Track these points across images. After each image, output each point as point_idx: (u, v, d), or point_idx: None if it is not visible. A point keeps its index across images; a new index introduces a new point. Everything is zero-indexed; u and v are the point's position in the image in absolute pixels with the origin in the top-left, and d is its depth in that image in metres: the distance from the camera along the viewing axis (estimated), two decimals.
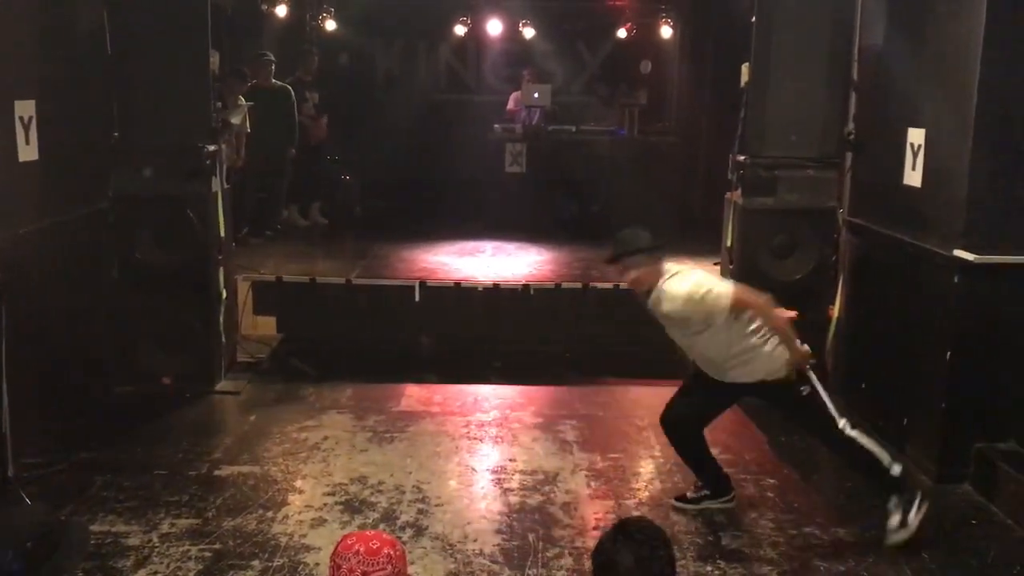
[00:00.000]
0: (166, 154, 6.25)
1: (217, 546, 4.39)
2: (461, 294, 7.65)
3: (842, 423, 4.54)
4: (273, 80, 9.26)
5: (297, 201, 10.27)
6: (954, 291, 5.14)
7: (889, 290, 5.95)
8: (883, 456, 4.55)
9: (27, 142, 5.34)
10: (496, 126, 10.93)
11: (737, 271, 6.58)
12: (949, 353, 5.18)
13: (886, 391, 5.92)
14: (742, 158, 6.52)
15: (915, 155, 5.57)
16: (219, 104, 6.82)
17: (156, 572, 4.16)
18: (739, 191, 6.58)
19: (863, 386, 6.24)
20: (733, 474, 5.32)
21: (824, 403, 4.57)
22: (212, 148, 6.37)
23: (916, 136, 5.56)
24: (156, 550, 4.34)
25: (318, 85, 10.23)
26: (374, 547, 2.44)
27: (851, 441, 4.53)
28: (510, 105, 11.42)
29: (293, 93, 9.48)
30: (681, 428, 4.92)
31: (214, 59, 6.48)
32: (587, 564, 4.13)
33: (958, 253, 5.06)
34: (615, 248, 4.82)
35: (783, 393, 4.61)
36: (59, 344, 5.64)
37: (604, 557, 2.54)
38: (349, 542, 2.46)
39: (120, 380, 6.37)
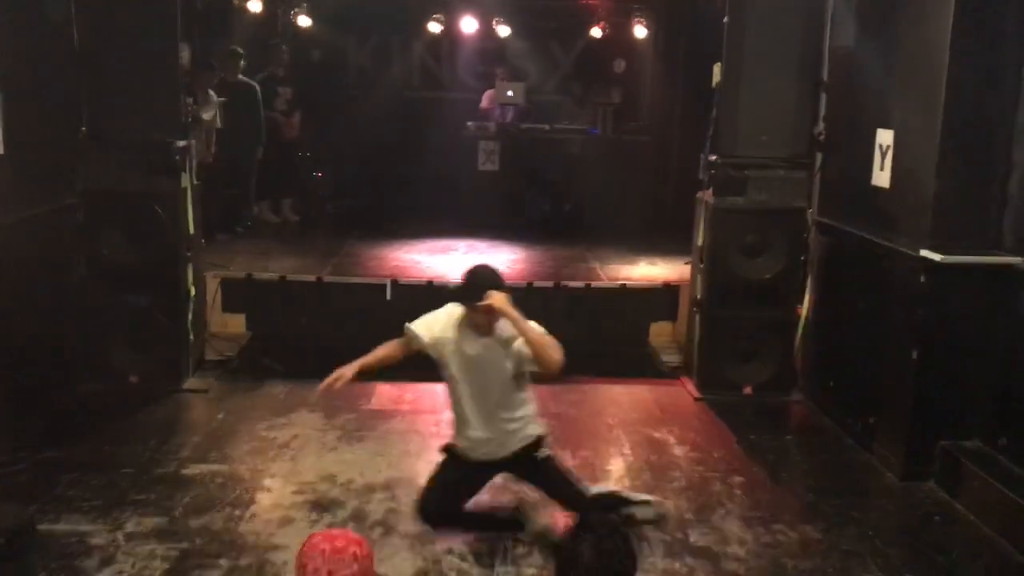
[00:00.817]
0: (135, 149, 6.18)
1: (184, 545, 4.36)
2: (433, 292, 7.62)
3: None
4: (240, 76, 9.18)
5: (268, 197, 10.21)
6: (920, 291, 5.20)
7: (857, 289, 6.00)
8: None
9: None
10: (469, 124, 10.92)
11: (708, 270, 6.62)
12: (915, 352, 5.23)
13: (853, 389, 5.98)
14: (713, 158, 6.55)
15: (884, 156, 5.63)
16: (190, 99, 6.76)
17: (121, 571, 4.12)
18: (710, 190, 6.61)
19: (831, 384, 6.30)
20: (702, 472, 5.38)
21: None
22: (182, 144, 6.31)
23: (885, 137, 5.62)
24: (122, 549, 4.30)
25: (290, 81, 10.17)
26: (339, 546, 2.44)
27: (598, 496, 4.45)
28: (484, 103, 11.40)
29: (259, 90, 9.41)
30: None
31: (184, 53, 6.43)
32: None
33: (925, 253, 5.12)
34: (492, 282, 4.34)
35: (531, 460, 4.38)
36: (25, 341, 5.57)
37: (567, 553, 2.55)
38: (315, 541, 2.46)
39: (87, 378, 6.30)
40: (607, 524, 2.64)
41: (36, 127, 5.72)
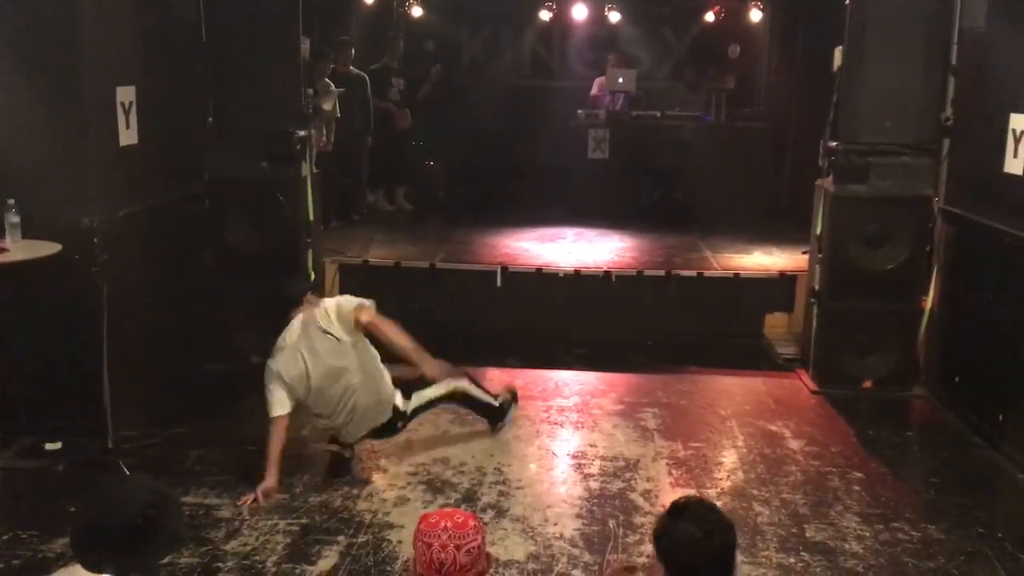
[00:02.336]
0: (258, 139, 6.40)
1: (304, 521, 4.52)
2: (542, 280, 7.67)
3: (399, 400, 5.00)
4: (351, 67, 9.38)
5: (382, 186, 10.42)
6: None
7: (986, 281, 5.75)
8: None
9: (127, 126, 5.53)
10: (580, 112, 10.88)
11: (826, 260, 6.44)
12: None
13: (981, 385, 5.74)
14: (834, 144, 6.36)
15: (1017, 142, 5.36)
16: (310, 91, 6.95)
17: (246, 544, 4.29)
18: (830, 178, 6.43)
19: (957, 380, 6.06)
20: (818, 467, 5.25)
21: None
22: (302, 133, 6.50)
23: (1019, 122, 5.35)
24: (246, 523, 4.48)
25: (404, 71, 10.34)
26: (459, 520, 2.49)
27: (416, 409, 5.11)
28: (594, 91, 11.35)
29: (369, 80, 9.59)
30: None
31: (304, 46, 6.61)
32: None
33: None
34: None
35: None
36: (155, 323, 5.84)
37: (667, 538, 2.56)
38: (433, 520, 2.51)
39: (212, 358, 6.57)
40: (698, 503, 2.67)
41: (166, 119, 5.99)
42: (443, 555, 2.42)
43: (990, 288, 5.71)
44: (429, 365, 4.88)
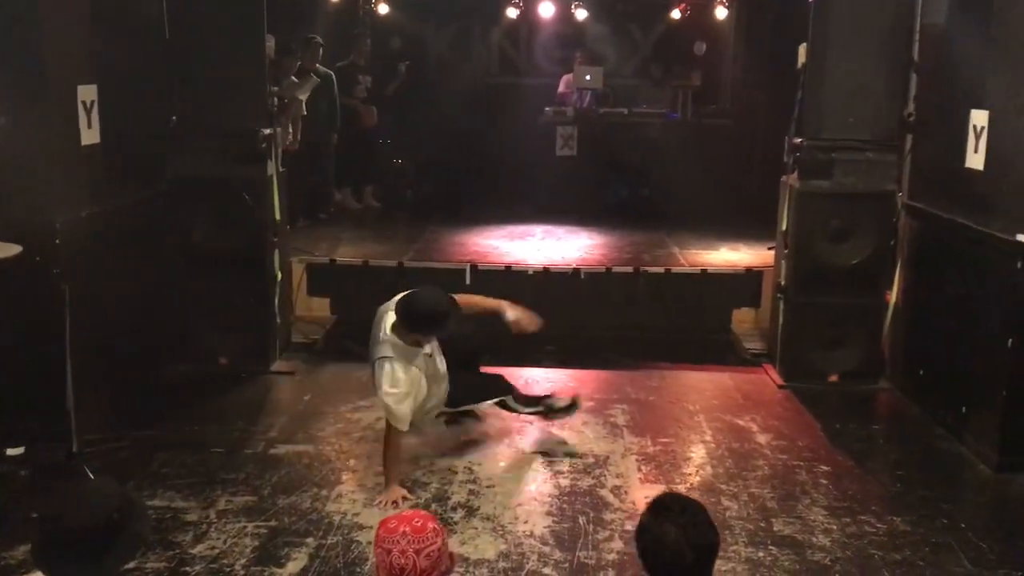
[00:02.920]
0: (222, 138, 6.34)
1: (273, 523, 4.48)
2: (511, 278, 7.66)
3: None
4: (318, 65, 9.31)
5: (350, 185, 10.37)
6: (1016, 276, 5.01)
7: (949, 276, 5.83)
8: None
9: (89, 126, 5.45)
10: (547, 109, 10.89)
11: (792, 255, 6.50)
12: (1011, 340, 5.06)
13: (944, 378, 5.81)
14: (798, 140, 6.41)
15: (978, 137, 5.43)
16: (274, 88, 6.89)
17: (214, 547, 4.25)
18: (795, 174, 6.48)
19: (921, 373, 6.13)
20: (786, 460, 5.30)
21: None
22: (267, 131, 6.45)
23: (979, 118, 5.42)
24: (214, 526, 4.44)
25: (371, 69, 10.29)
26: (418, 524, 2.47)
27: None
28: (561, 88, 11.37)
29: (335, 78, 9.53)
30: None
31: (269, 43, 6.55)
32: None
33: (1021, 238, 4.94)
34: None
35: None
36: (120, 324, 5.77)
37: (649, 537, 2.54)
38: (391, 525, 2.48)
39: (178, 360, 6.50)
40: (684, 502, 2.64)
41: (129, 118, 5.91)
42: (403, 560, 2.40)
43: (952, 282, 5.78)
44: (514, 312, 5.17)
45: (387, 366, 4.72)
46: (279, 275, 6.74)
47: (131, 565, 3.95)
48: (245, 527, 4.44)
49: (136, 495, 4.26)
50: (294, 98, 8.42)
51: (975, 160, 5.47)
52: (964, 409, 5.52)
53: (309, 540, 4.33)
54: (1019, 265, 4.99)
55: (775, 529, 4.52)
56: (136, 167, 6.13)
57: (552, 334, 7.39)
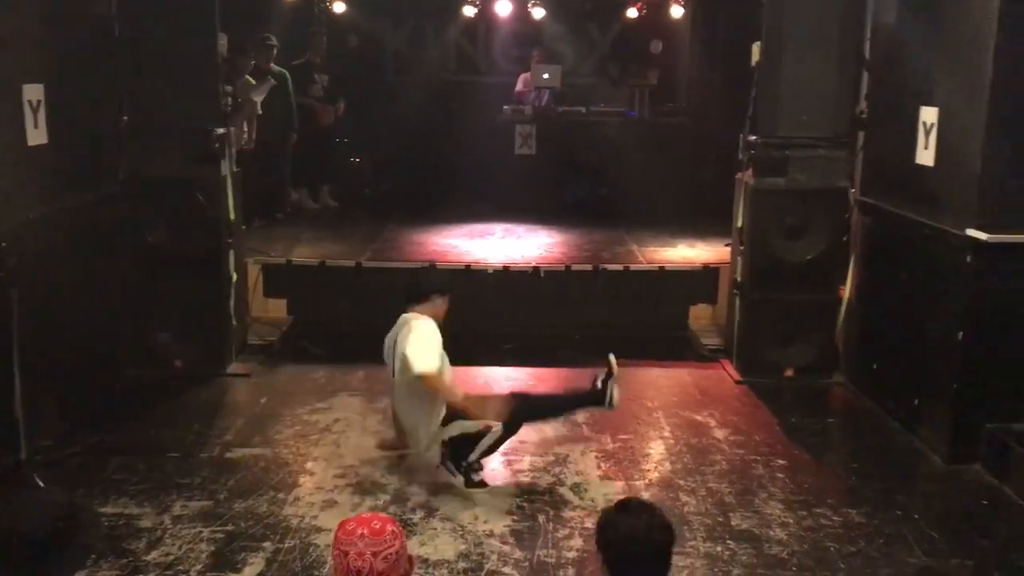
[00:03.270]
0: (175, 137, 6.25)
1: (229, 528, 4.43)
2: (471, 276, 7.65)
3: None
4: (272, 64, 9.22)
5: (307, 184, 10.27)
6: (967, 271, 5.11)
7: (901, 270, 5.91)
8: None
9: (36, 126, 5.33)
10: (506, 108, 10.88)
11: (748, 252, 6.56)
12: (961, 333, 5.15)
13: (897, 372, 5.90)
14: (753, 138, 6.47)
15: (928, 134, 5.52)
16: (228, 87, 6.80)
17: (169, 554, 4.19)
18: (750, 171, 6.54)
19: (874, 367, 6.22)
20: (743, 455, 5.34)
21: None
22: (221, 131, 6.37)
23: (929, 115, 5.51)
24: (168, 532, 4.37)
25: (327, 68, 10.20)
26: (376, 527, 2.45)
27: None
28: (519, 87, 11.36)
29: (290, 77, 9.44)
30: None
31: (222, 42, 6.46)
32: None
33: (971, 232, 5.03)
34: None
35: None
36: (71, 328, 5.66)
37: (611, 532, 2.63)
38: (350, 527, 2.46)
39: (132, 363, 6.40)
40: (640, 501, 2.78)
41: (79, 117, 5.80)
42: (359, 563, 2.38)
43: (904, 276, 5.87)
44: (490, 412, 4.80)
45: (423, 324, 4.84)
46: (234, 276, 6.66)
47: (82, 574, 3.89)
48: (201, 532, 4.38)
49: (85, 503, 4.20)
50: (248, 99, 8.32)
51: (925, 156, 5.56)
52: (916, 402, 5.60)
53: (266, 544, 4.28)
54: (969, 259, 5.08)
55: (733, 523, 4.55)
56: (86, 168, 6.02)
57: (512, 332, 7.46)
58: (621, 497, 2.94)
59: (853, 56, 6.36)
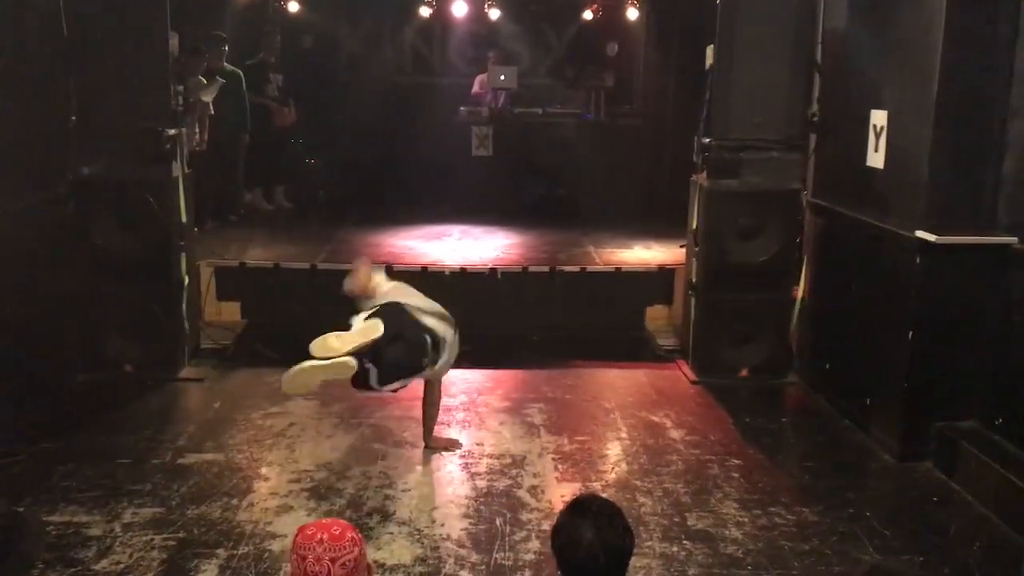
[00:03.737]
0: (125, 138, 6.14)
1: (181, 535, 4.35)
2: (428, 278, 7.61)
3: None
4: (224, 64, 9.12)
5: (261, 185, 10.16)
6: (916, 271, 5.20)
7: (852, 271, 6.00)
8: None
9: None
10: (462, 109, 10.87)
11: (703, 253, 6.61)
12: (911, 333, 5.24)
13: (849, 371, 5.98)
14: (707, 140, 6.53)
15: (878, 136, 5.61)
16: (180, 87, 6.70)
17: (119, 562, 4.11)
18: (704, 173, 6.60)
19: (827, 366, 6.30)
20: (699, 455, 5.38)
21: None
22: (172, 132, 6.27)
23: (879, 118, 5.60)
24: (119, 540, 4.28)
25: (281, 67, 10.11)
26: (336, 532, 2.42)
27: None
28: (475, 88, 11.35)
29: (244, 76, 9.34)
30: None
31: (173, 41, 6.36)
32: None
33: (920, 234, 5.11)
34: None
35: None
36: (18, 332, 5.53)
37: (565, 536, 2.55)
38: (309, 532, 2.44)
39: (81, 368, 6.28)
40: (602, 503, 2.66)
41: (25, 117, 5.67)
42: (317, 568, 2.35)
43: (855, 277, 5.96)
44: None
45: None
46: (186, 279, 6.57)
47: None
48: (152, 540, 4.30)
49: (27, 513, 4.10)
50: (199, 99, 8.21)
51: (875, 159, 5.65)
52: (868, 401, 5.69)
53: (220, 551, 4.22)
54: (918, 260, 5.17)
55: (689, 523, 4.58)
56: (33, 168, 5.89)
57: (469, 334, 7.42)
58: (582, 493, 2.81)
59: (805, 60, 6.45)
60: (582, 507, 2.62)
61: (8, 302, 5.42)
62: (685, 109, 8.63)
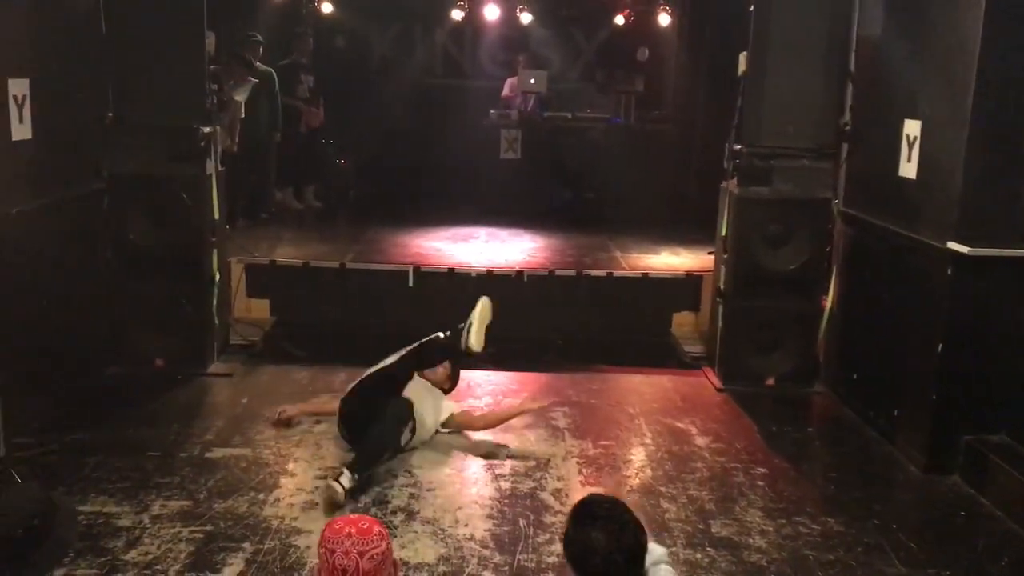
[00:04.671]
0: (160, 135, 6.21)
1: (208, 528, 4.40)
2: (454, 280, 7.65)
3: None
4: (258, 64, 9.20)
5: (292, 184, 10.25)
6: (947, 283, 5.16)
7: (882, 281, 5.96)
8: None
9: (20, 121, 5.30)
10: (492, 112, 10.90)
11: (731, 260, 6.59)
12: (941, 345, 5.20)
13: (877, 382, 5.94)
14: (738, 147, 6.51)
15: (911, 146, 5.58)
16: (215, 87, 6.78)
17: (147, 553, 4.16)
18: (734, 180, 6.58)
19: (855, 376, 6.27)
20: (724, 463, 5.36)
21: None
22: (207, 130, 6.34)
23: (912, 127, 5.56)
24: (147, 531, 4.34)
25: (313, 68, 10.19)
26: (364, 527, 2.45)
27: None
28: (505, 91, 11.39)
29: (277, 77, 9.43)
30: None
31: (209, 40, 6.44)
32: None
33: (952, 245, 5.07)
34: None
35: None
36: (52, 325, 5.62)
37: (577, 546, 2.54)
38: (337, 527, 2.47)
39: (113, 362, 6.36)
40: (607, 504, 2.64)
41: (63, 113, 5.76)
42: (345, 561, 2.38)
43: (885, 288, 5.92)
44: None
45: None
46: (217, 276, 6.64)
47: (60, 572, 3.86)
48: (180, 532, 4.35)
49: (62, 500, 4.16)
50: (231, 98, 8.29)
51: (908, 169, 5.61)
52: (896, 412, 5.65)
53: (246, 545, 4.26)
54: (949, 271, 5.13)
55: (713, 531, 4.57)
56: (70, 164, 5.99)
57: (494, 336, 7.45)
58: (584, 497, 2.72)
59: (838, 68, 6.41)
60: (589, 514, 2.59)
61: (42, 296, 5.51)
62: (715, 115, 8.62)
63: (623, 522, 2.55)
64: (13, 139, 5.26)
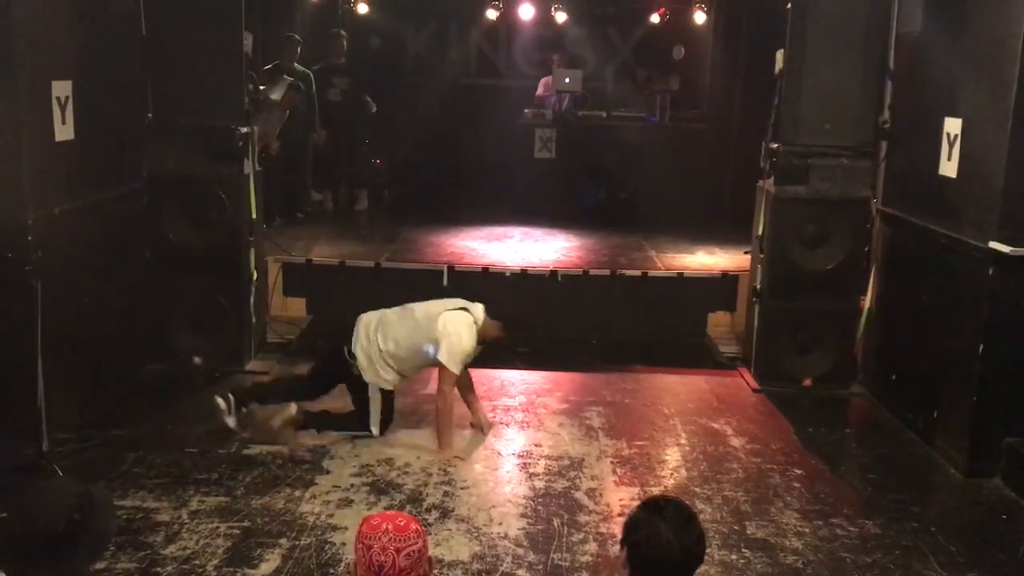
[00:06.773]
0: (199, 135, 6.29)
1: (246, 524, 4.45)
2: (489, 279, 7.66)
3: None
4: (296, 64, 9.26)
5: (328, 184, 10.32)
6: (988, 283, 5.08)
7: (922, 282, 5.89)
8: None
9: (63, 122, 5.39)
10: (526, 111, 10.89)
11: (768, 260, 6.54)
12: (981, 346, 5.12)
13: (916, 383, 5.87)
14: (775, 146, 6.45)
15: (951, 145, 5.50)
16: (250, 86, 6.84)
17: (186, 548, 4.22)
18: (771, 179, 6.52)
19: (893, 377, 6.19)
20: (759, 464, 5.32)
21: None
22: (245, 130, 6.41)
23: (953, 126, 5.49)
24: (186, 526, 4.40)
25: (349, 68, 10.24)
26: (401, 524, 2.46)
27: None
28: (540, 90, 11.36)
29: (313, 77, 9.48)
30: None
31: (247, 41, 6.51)
32: (612, 550, 4.16)
33: (993, 245, 5.00)
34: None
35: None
36: (93, 322, 5.71)
37: (644, 532, 2.54)
38: (375, 522, 2.48)
39: (152, 359, 6.45)
40: (676, 504, 2.64)
41: (104, 113, 5.86)
42: (383, 558, 2.39)
43: (924, 288, 5.84)
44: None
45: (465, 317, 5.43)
46: (255, 274, 6.71)
47: (101, 566, 3.94)
48: (218, 528, 4.41)
49: (102, 491, 4.22)
50: (267, 98, 8.36)
51: (948, 168, 5.53)
52: (935, 414, 5.58)
53: (282, 541, 4.31)
54: (990, 272, 5.06)
55: (748, 532, 4.54)
56: (111, 164, 6.08)
57: (528, 336, 7.46)
58: (655, 493, 2.73)
59: (877, 65, 6.33)
60: (658, 506, 2.60)
61: (83, 294, 5.60)
62: (751, 113, 8.56)
63: (691, 525, 2.56)
64: (56, 140, 5.35)
